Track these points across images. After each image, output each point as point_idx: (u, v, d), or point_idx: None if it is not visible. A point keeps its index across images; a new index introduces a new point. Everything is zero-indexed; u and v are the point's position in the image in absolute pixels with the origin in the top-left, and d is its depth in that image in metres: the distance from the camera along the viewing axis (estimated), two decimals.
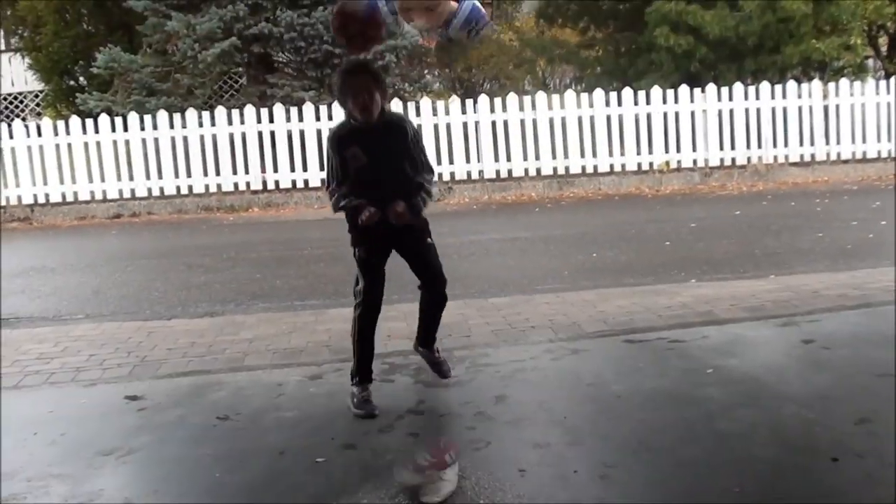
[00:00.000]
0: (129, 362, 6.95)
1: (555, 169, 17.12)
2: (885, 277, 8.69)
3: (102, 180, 16.64)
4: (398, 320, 7.29)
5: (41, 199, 16.67)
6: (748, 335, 6.87)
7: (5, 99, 25.33)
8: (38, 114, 24.32)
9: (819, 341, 6.60)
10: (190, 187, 16.76)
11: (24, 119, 22.33)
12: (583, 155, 17.15)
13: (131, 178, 16.65)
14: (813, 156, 17.51)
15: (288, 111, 16.72)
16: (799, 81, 17.88)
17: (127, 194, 16.64)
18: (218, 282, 10.24)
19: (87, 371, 6.76)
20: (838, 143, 17.57)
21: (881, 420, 5.00)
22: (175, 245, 13.18)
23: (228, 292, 9.66)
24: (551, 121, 17.12)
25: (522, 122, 17.00)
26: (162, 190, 16.74)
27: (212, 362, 6.85)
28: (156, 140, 16.63)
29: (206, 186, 16.76)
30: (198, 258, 11.82)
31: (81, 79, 21.94)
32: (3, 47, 25.01)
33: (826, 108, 17.55)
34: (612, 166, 17.23)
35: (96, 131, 16.56)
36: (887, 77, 19.57)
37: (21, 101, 25.37)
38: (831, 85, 17.65)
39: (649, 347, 6.68)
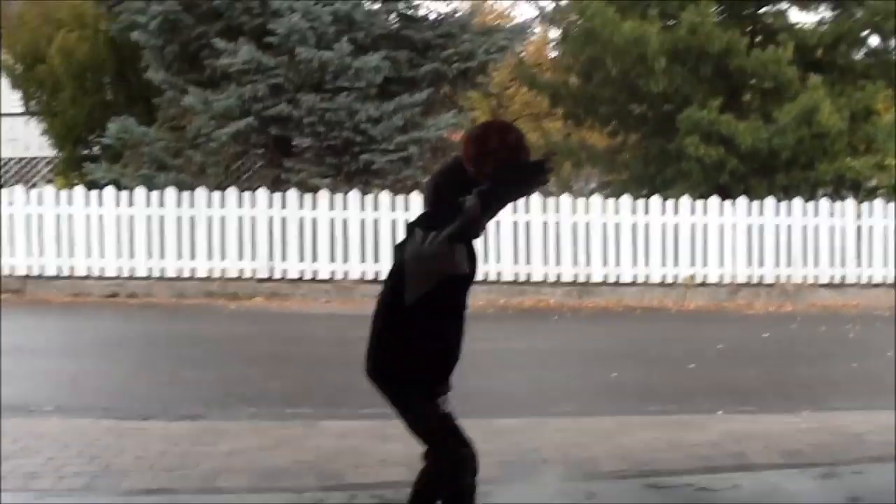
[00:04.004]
0: (88, 471, 6.26)
1: (576, 276, 16.44)
2: None
3: (102, 256, 15.93)
4: (396, 440, 6.51)
5: (35, 271, 15.97)
6: (786, 487, 6.17)
7: (18, 163, 24.89)
8: (50, 181, 23.83)
9: (866, 498, 5.86)
10: (192, 270, 16.07)
11: (34, 185, 21.80)
12: (605, 263, 16.50)
13: (132, 256, 15.96)
14: (843, 278, 16.85)
15: (301, 197, 16.17)
16: (831, 199, 17.31)
17: (126, 273, 15.93)
18: (206, 379, 9.56)
19: (39, 479, 6.03)
20: (870, 265, 16.89)
21: None
22: (169, 332, 12.53)
23: (215, 392, 8.96)
24: (575, 225, 16.51)
25: (545, 224, 16.36)
26: (163, 271, 16.06)
27: (180, 479, 6.11)
28: (161, 218, 16.00)
29: (210, 270, 16.08)
30: (189, 349, 11.18)
31: (95, 148, 21.47)
32: (20, 110, 24.59)
33: (859, 229, 16.92)
34: (635, 277, 16.56)
35: (100, 204, 15.94)
36: None
37: (34, 167, 24.93)
38: (865, 205, 17.05)
39: (675, 494, 5.94)
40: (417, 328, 4.28)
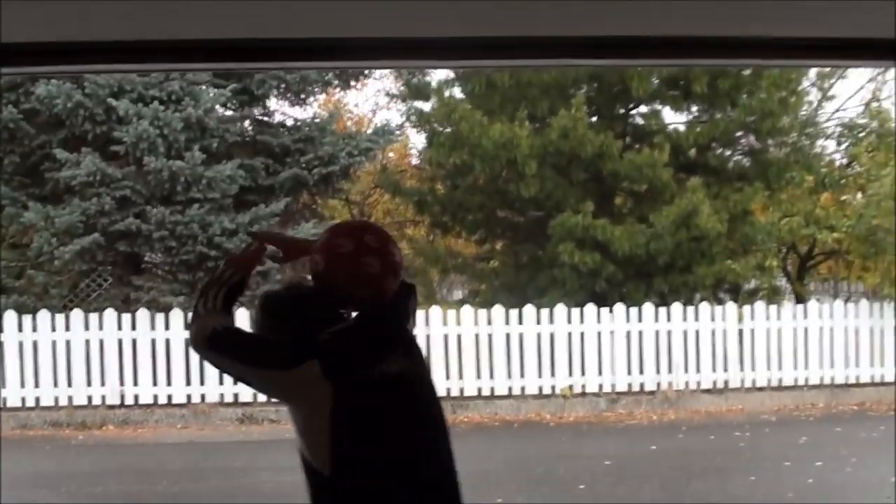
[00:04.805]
0: None
1: (448, 390, 15.57)
2: None
3: None
4: None
5: None
6: None
7: None
8: None
9: None
10: (37, 399, 14.92)
11: None
12: (479, 376, 15.78)
13: None
14: (726, 382, 16.37)
15: (153, 317, 15.17)
16: (710, 303, 16.91)
17: None
18: None
19: None
20: (753, 369, 16.47)
21: None
22: (9, 471, 11.31)
23: None
24: (445, 337, 15.80)
25: (414, 336, 15.53)
26: (4, 401, 14.83)
27: None
28: (0, 344, 14.89)
29: (56, 399, 14.92)
30: (30, 491, 10.08)
31: None
32: None
33: (740, 332, 16.53)
34: (510, 389, 15.84)
35: None
36: (798, 301, 18.78)
37: None
38: (746, 308, 16.71)
39: None
40: None
